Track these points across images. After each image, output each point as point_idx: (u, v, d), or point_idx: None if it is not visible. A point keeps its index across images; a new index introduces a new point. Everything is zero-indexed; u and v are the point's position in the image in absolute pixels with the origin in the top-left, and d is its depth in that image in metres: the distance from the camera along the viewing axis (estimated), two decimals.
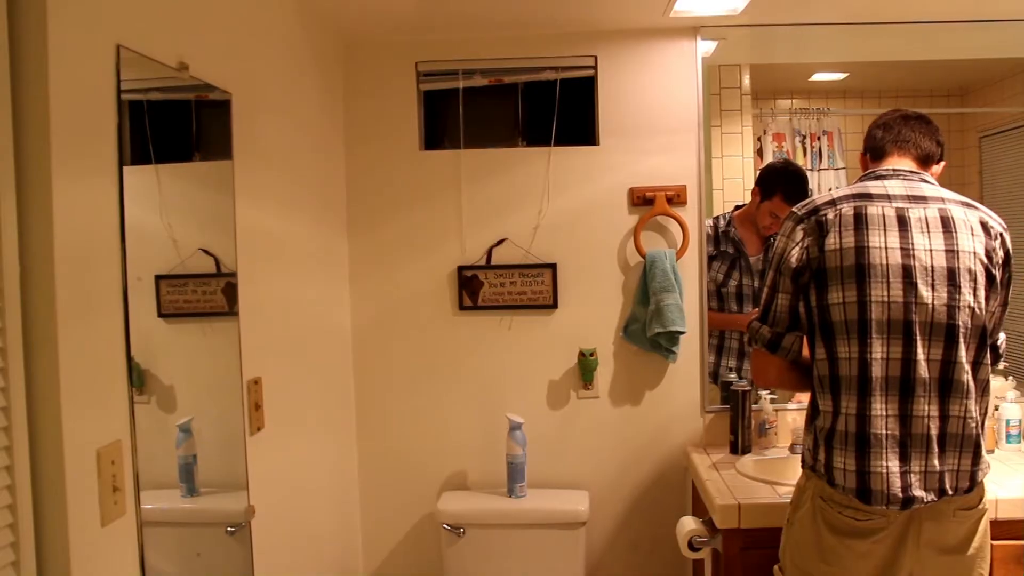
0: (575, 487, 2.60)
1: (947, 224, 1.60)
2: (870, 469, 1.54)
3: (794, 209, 1.68)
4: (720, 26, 2.47)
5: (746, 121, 2.61)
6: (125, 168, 1.26)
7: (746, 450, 2.43)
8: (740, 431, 2.43)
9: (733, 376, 2.54)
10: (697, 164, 2.54)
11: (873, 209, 1.60)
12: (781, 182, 2.49)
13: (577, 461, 2.62)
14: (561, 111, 2.56)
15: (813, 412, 1.66)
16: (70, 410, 1.11)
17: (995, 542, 1.89)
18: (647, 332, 2.49)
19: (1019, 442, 2.37)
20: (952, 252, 1.58)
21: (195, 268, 1.56)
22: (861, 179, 1.71)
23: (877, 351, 1.55)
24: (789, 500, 1.74)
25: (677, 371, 2.58)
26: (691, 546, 2.14)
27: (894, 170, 1.68)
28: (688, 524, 2.17)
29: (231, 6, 1.73)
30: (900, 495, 1.53)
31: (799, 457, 2.36)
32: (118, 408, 1.24)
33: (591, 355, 2.57)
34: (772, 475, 2.17)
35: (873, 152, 1.76)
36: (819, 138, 2.66)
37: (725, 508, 2.00)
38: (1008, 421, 2.37)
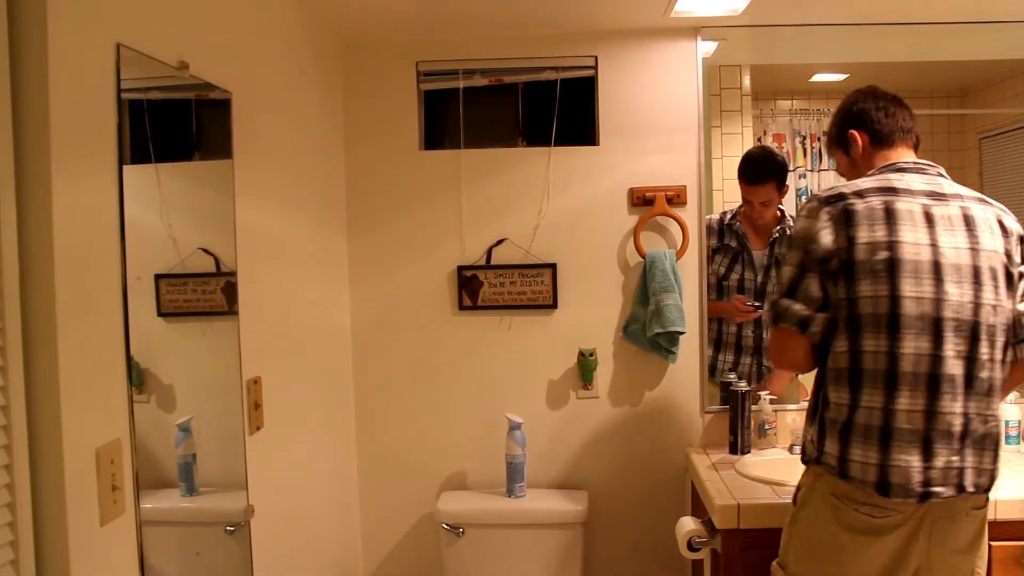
0: (574, 487, 2.60)
1: (969, 223, 1.61)
2: (891, 462, 1.54)
3: (816, 193, 1.67)
4: (721, 26, 2.47)
5: (746, 122, 2.61)
6: (125, 167, 1.26)
7: (746, 450, 2.43)
8: (740, 431, 2.43)
9: (732, 376, 2.53)
10: (697, 164, 2.54)
11: (901, 204, 1.59)
12: (742, 165, 2.54)
13: (576, 461, 2.62)
14: (561, 111, 2.56)
15: (821, 404, 1.64)
16: (69, 409, 1.11)
17: (995, 543, 1.90)
18: (647, 332, 2.49)
19: (1019, 443, 2.37)
20: (975, 251, 1.59)
21: (195, 267, 1.56)
22: (881, 171, 1.69)
23: (907, 346, 1.55)
24: (790, 500, 1.73)
25: (677, 371, 2.58)
26: (690, 546, 2.14)
27: (915, 163, 1.69)
28: (687, 524, 2.17)
29: (231, 5, 1.73)
30: (919, 489, 1.53)
31: (798, 458, 2.36)
32: (117, 407, 1.24)
33: (591, 355, 2.57)
34: (772, 475, 2.17)
35: (877, 137, 1.74)
36: (819, 139, 2.66)
37: (724, 508, 2.00)
38: (1008, 422, 2.36)
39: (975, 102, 2.67)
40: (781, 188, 2.52)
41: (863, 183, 1.65)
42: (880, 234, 1.57)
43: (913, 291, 1.55)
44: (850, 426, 1.58)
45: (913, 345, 1.55)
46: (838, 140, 1.81)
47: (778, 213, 2.57)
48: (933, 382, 1.55)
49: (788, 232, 2.54)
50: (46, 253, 1.08)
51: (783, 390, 2.54)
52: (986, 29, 2.44)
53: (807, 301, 1.61)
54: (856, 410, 1.58)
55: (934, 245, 1.57)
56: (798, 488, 1.71)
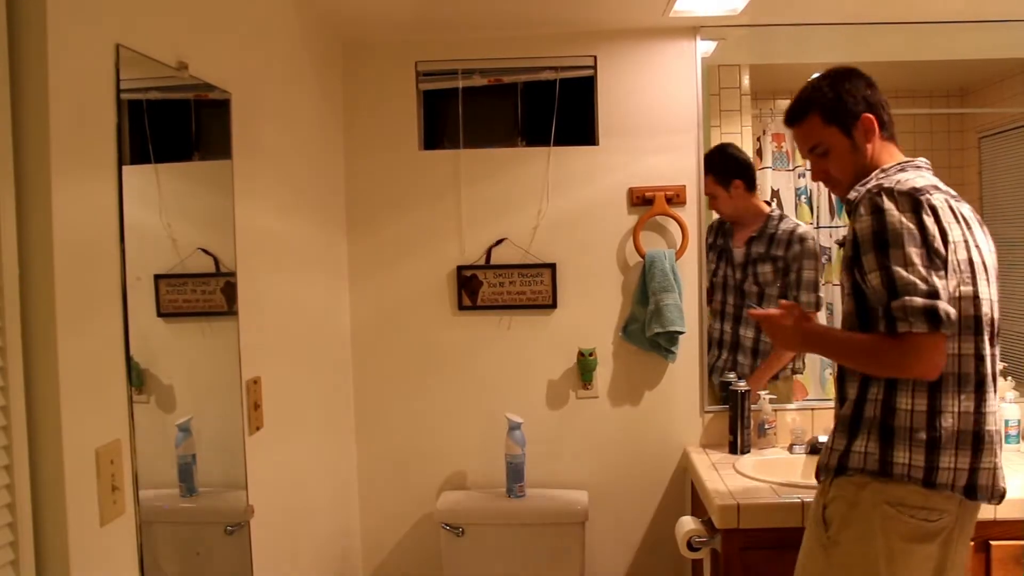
0: (574, 487, 2.60)
1: (981, 224, 1.61)
2: (981, 466, 1.51)
3: (887, 186, 1.50)
4: (720, 26, 2.47)
5: (745, 121, 2.61)
6: (124, 168, 1.26)
7: (745, 450, 2.43)
8: (739, 431, 2.43)
9: (732, 375, 2.53)
10: (696, 164, 2.54)
11: (952, 202, 1.55)
12: None
13: (576, 461, 2.62)
14: (561, 111, 2.56)
15: (881, 411, 1.53)
16: (69, 409, 1.11)
17: (995, 542, 1.91)
18: (646, 332, 2.49)
19: (1018, 442, 2.37)
20: (991, 251, 1.60)
21: (194, 268, 1.56)
22: (902, 167, 1.60)
23: (986, 348, 1.53)
24: (815, 516, 1.61)
25: (676, 371, 2.58)
26: (690, 546, 2.15)
27: (927, 163, 1.65)
28: (687, 524, 2.17)
29: (230, 6, 1.73)
30: (1003, 488, 1.54)
31: (798, 458, 2.37)
32: (117, 407, 1.24)
33: (590, 355, 2.57)
34: (771, 475, 2.17)
35: (885, 127, 1.66)
36: None
37: (724, 508, 2.00)
38: (1007, 421, 2.36)
39: (974, 101, 2.67)
40: (725, 183, 2.51)
41: (914, 179, 1.53)
42: (957, 232, 1.51)
43: (983, 291, 1.53)
44: (937, 432, 1.49)
45: (988, 347, 1.54)
46: (840, 118, 1.63)
47: (766, 210, 2.56)
48: (993, 383, 1.56)
49: (773, 231, 2.53)
50: (46, 253, 1.08)
51: (764, 386, 2.53)
52: (985, 28, 2.44)
53: (951, 302, 1.46)
54: (941, 415, 1.50)
55: (978, 246, 1.56)
56: (823, 506, 1.59)
